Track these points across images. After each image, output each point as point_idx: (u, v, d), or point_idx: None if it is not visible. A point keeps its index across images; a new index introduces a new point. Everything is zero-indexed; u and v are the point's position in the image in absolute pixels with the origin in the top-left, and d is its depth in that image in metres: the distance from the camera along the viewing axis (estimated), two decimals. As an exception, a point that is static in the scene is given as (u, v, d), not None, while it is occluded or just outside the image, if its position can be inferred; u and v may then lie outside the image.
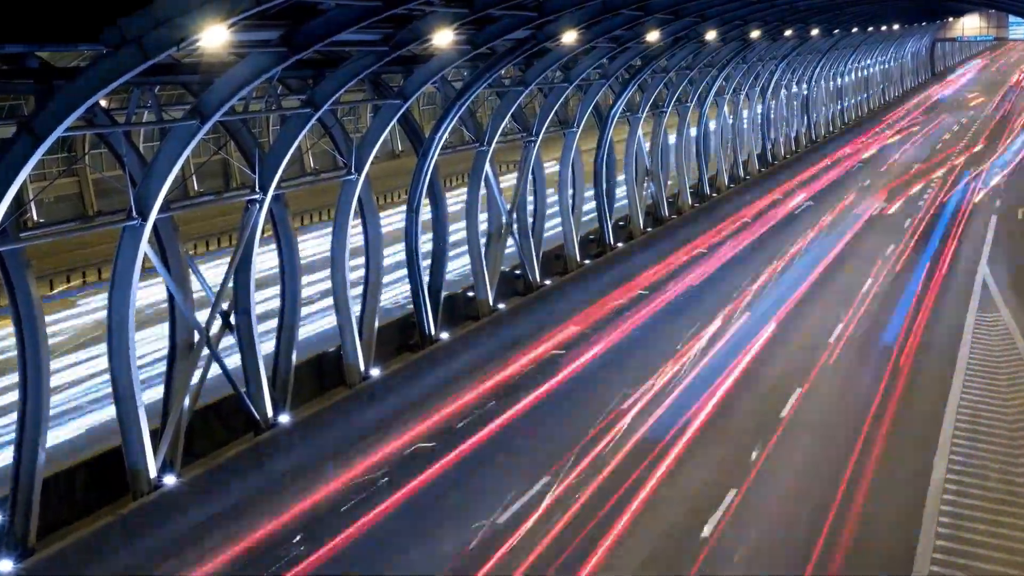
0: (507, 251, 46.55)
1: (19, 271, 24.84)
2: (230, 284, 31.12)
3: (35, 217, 58.87)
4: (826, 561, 25.23)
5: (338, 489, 30.23)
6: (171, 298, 29.47)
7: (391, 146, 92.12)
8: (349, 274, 35.75)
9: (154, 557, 26.35)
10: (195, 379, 29.87)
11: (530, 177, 48.58)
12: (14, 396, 26.68)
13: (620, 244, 57.87)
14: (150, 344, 39.66)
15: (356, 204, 35.99)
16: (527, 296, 47.30)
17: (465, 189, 45.53)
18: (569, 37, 39.28)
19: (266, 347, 32.91)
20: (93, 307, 49.38)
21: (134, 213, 26.84)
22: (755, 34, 62.95)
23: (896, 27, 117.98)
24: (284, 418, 32.29)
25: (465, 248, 44.01)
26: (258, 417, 31.53)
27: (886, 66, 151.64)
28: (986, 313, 45.31)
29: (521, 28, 36.43)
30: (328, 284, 37.35)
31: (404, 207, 40.48)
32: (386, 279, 39.62)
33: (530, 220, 48.63)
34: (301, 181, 39.87)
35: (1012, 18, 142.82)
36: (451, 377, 38.26)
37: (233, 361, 31.99)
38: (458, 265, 49.94)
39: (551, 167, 54.13)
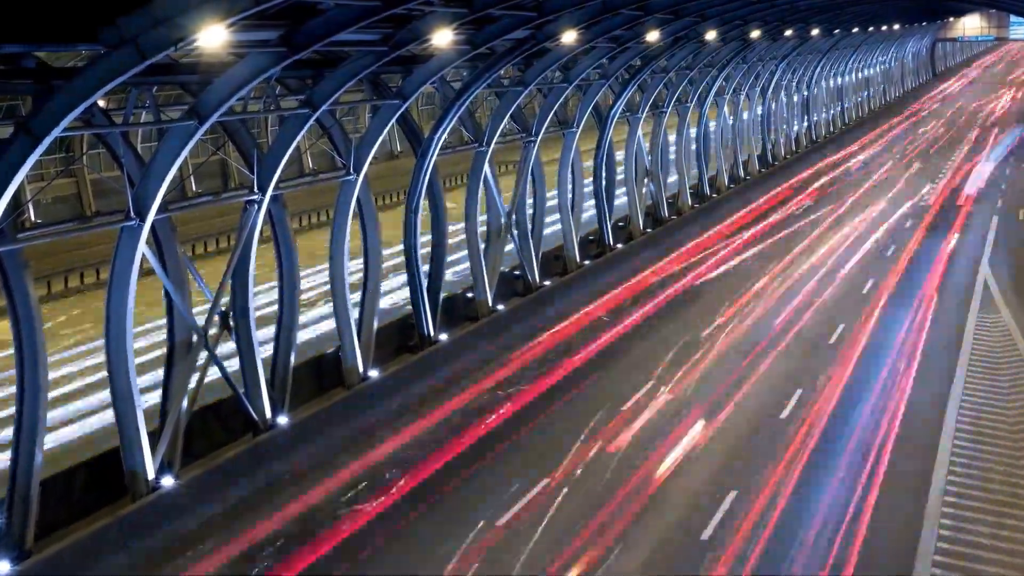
0: (506, 252, 46.48)
1: (17, 272, 24.79)
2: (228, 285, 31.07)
3: (33, 218, 58.74)
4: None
5: (337, 490, 30.12)
6: (169, 299, 29.39)
7: (390, 146, 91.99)
8: (348, 275, 35.67)
9: (152, 559, 26.28)
10: (193, 380, 29.77)
11: (529, 178, 48.52)
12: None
13: (620, 245, 57.77)
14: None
15: (355, 205, 35.88)
16: (526, 297, 47.19)
17: (464, 189, 45.46)
18: (569, 37, 39.22)
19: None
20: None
21: (132, 214, 26.78)
22: (755, 34, 62.90)
23: (896, 27, 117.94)
24: (283, 419, 32.23)
25: (464, 249, 43.95)
26: (256, 418, 31.47)
27: (887, 66, 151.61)
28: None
29: (520, 28, 36.37)
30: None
31: (403, 208, 40.38)
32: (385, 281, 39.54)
33: (529, 221, 48.51)
34: (300, 182, 39.86)
35: (1013, 18, 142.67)
36: (450, 378, 38.14)
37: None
38: (457, 265, 49.92)
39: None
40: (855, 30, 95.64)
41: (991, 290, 49.16)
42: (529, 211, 48.97)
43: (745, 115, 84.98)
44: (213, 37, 23.09)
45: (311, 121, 32.29)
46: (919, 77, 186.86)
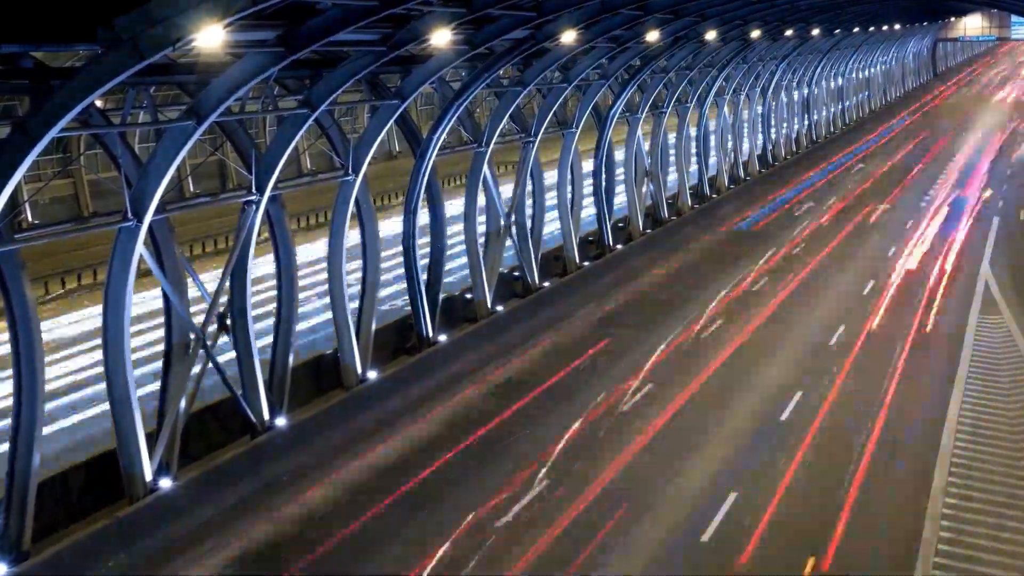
0: (505, 252, 46.40)
1: (14, 273, 24.70)
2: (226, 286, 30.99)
3: (30, 218, 58.65)
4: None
5: (336, 491, 30.04)
6: (167, 300, 29.30)
7: (388, 147, 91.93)
8: (346, 276, 35.60)
9: (150, 560, 26.20)
10: (191, 382, 29.69)
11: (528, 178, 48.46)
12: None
13: (619, 246, 57.68)
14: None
15: (353, 205, 35.79)
16: (526, 298, 47.10)
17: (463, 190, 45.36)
18: (568, 37, 39.14)
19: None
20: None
21: (130, 214, 26.70)
22: (755, 34, 62.81)
23: (897, 27, 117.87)
24: (281, 421, 32.13)
25: (464, 249, 43.87)
26: (255, 420, 31.37)
27: (887, 66, 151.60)
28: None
29: (520, 28, 36.29)
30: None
31: (402, 208, 40.30)
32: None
33: (528, 221, 48.41)
34: (298, 182, 39.75)
35: (1014, 18, 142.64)
36: (449, 380, 38.05)
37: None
38: (456, 266, 49.86)
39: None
40: (856, 30, 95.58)
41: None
42: (528, 211, 48.82)
43: (745, 115, 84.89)
44: (211, 37, 23.01)
45: (309, 121, 32.23)
46: (920, 77, 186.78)
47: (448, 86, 43.04)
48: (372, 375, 36.16)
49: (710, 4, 47.24)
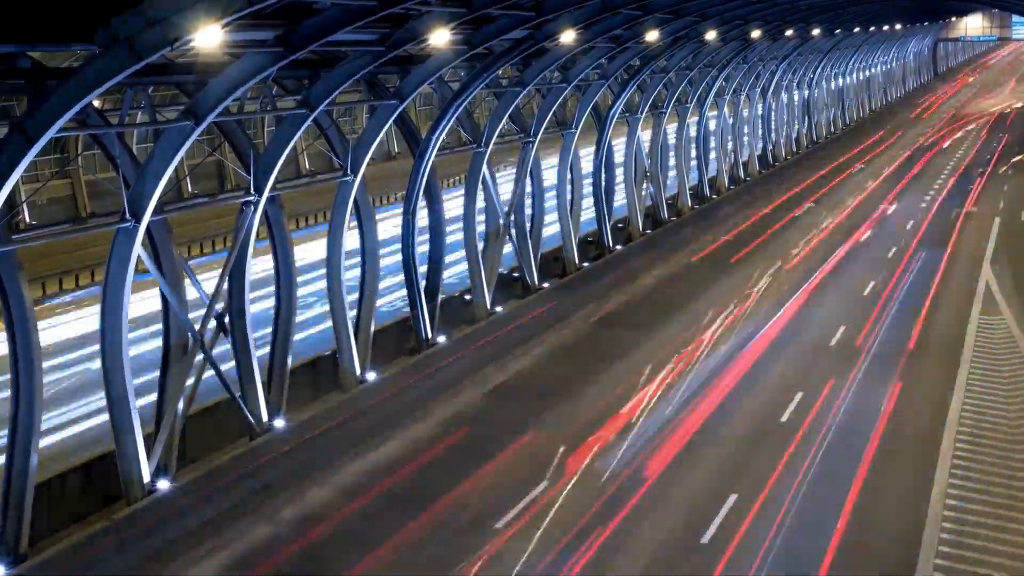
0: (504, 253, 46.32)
1: (11, 274, 24.59)
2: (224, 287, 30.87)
3: (27, 219, 58.54)
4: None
5: (334, 493, 29.94)
6: (165, 301, 29.20)
7: (387, 147, 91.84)
8: (345, 277, 35.51)
9: (148, 563, 26.11)
10: (189, 383, 29.59)
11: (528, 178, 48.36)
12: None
13: (619, 246, 57.57)
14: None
15: (352, 206, 35.69)
16: (525, 299, 46.98)
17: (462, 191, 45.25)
18: (567, 37, 39.04)
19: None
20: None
21: (127, 215, 26.61)
22: (756, 34, 62.69)
23: (898, 27, 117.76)
24: (279, 422, 32.02)
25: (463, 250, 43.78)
26: (253, 421, 31.25)
27: (888, 67, 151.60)
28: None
29: (519, 28, 36.20)
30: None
31: (401, 209, 40.19)
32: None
33: (528, 222, 48.29)
34: (296, 183, 39.65)
35: (1015, 18, 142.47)
36: (448, 381, 37.95)
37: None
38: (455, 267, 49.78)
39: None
40: (856, 30, 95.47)
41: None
42: (528, 212, 48.70)
43: (745, 114, 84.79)
44: (209, 37, 22.92)
45: (308, 122, 32.12)
46: (920, 77, 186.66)
47: (447, 86, 42.94)
48: (371, 376, 36.04)
49: (710, 4, 47.16)
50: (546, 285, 48.64)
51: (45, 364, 26.28)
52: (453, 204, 48.96)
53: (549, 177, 52.19)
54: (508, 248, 46.74)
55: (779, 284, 52.43)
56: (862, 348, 41.60)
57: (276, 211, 32.83)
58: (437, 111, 42.29)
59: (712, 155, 77.83)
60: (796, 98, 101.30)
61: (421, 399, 36.33)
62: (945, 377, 37.46)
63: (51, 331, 44.68)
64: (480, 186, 44.10)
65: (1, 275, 24.45)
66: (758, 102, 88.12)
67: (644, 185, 62.35)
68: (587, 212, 56.59)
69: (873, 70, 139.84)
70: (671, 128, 68.32)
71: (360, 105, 64.45)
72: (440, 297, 41.04)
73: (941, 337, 42.80)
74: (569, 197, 52.88)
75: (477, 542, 26.82)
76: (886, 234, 64.63)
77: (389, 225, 50.72)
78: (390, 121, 36.82)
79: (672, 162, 69.69)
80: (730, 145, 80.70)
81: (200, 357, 30.00)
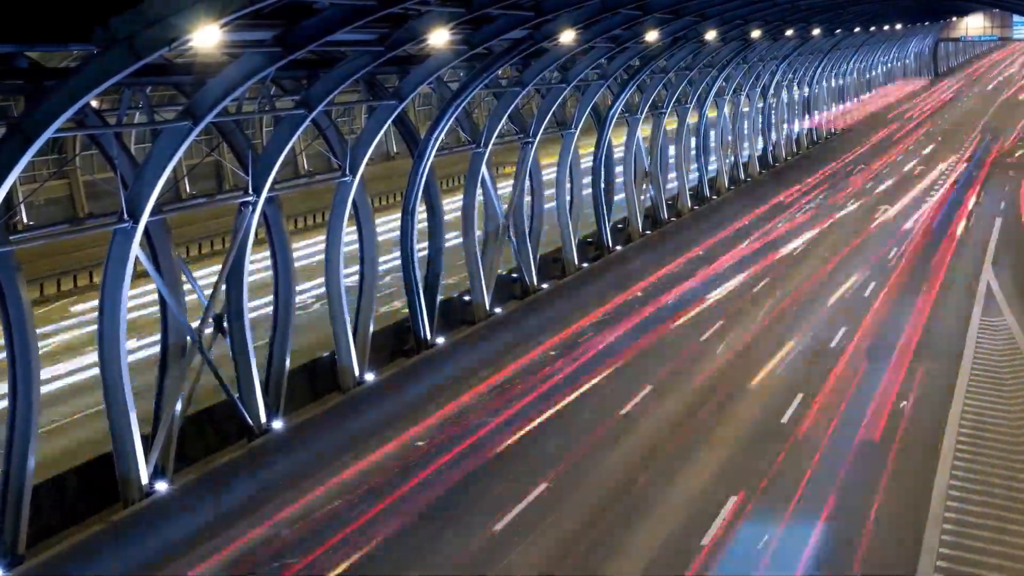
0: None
1: (8, 274, 24.47)
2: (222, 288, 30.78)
3: (25, 220, 58.39)
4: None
5: (332, 495, 29.84)
6: (163, 302, 29.10)
7: (386, 147, 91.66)
8: (343, 278, 35.40)
9: (145, 565, 25.98)
10: (187, 384, 29.49)
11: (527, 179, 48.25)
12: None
13: (618, 247, 57.44)
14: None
15: (351, 207, 35.59)
16: (524, 300, 46.86)
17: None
18: (567, 37, 38.94)
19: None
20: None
21: (125, 216, 26.51)
22: (756, 34, 62.55)
23: (899, 27, 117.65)
24: (277, 424, 31.91)
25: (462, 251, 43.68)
26: (251, 423, 31.14)
27: (888, 67, 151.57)
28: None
29: (518, 28, 36.11)
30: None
31: (399, 210, 40.07)
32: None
33: (527, 223, 48.16)
34: (295, 183, 39.52)
35: (1016, 18, 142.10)
36: (446, 382, 37.83)
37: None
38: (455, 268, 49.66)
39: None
40: (857, 30, 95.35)
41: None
42: (527, 212, 48.58)
43: (746, 114, 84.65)
44: (207, 37, 22.84)
45: (306, 122, 32.03)
46: (921, 77, 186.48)
47: (446, 86, 42.84)
48: (370, 377, 35.93)
49: (710, 4, 47.07)
50: (545, 286, 48.53)
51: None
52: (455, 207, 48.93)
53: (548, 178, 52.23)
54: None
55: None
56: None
57: (274, 212, 32.72)
58: (436, 111, 42.20)
59: (712, 155, 77.67)
60: (796, 98, 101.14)
61: (420, 400, 36.22)
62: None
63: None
64: (479, 186, 44.01)
65: (-1, 276, 24.37)
66: (758, 102, 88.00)
67: (644, 186, 62.23)
68: (586, 212, 56.51)
69: (874, 71, 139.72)
70: (671, 128, 68.19)
71: (359, 105, 64.23)
72: (439, 298, 40.94)
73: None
74: (568, 198, 52.76)
75: (478, 543, 26.74)
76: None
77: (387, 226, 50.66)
78: (389, 121, 36.73)
79: (672, 162, 69.62)
80: (730, 145, 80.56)
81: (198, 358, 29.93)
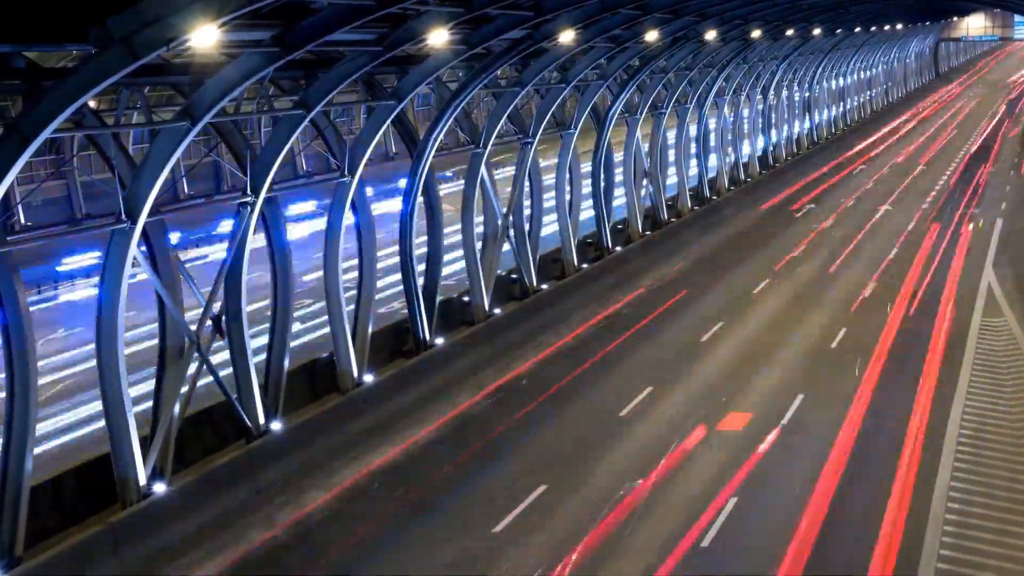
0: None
1: (5, 275, 24.40)
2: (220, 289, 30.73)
3: (22, 220, 58.28)
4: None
5: (332, 496, 29.75)
6: (161, 303, 29.03)
7: (385, 148, 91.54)
8: (342, 278, 35.34)
9: (144, 566, 25.94)
10: (185, 385, 29.41)
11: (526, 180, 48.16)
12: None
13: (618, 248, 57.36)
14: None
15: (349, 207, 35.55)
16: (524, 301, 46.79)
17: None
18: (566, 37, 38.87)
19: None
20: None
21: (123, 216, 26.42)
22: (756, 34, 62.46)
23: (899, 27, 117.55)
24: (276, 425, 31.85)
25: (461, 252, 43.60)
26: (249, 424, 31.08)
27: (889, 67, 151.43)
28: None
29: (517, 28, 36.03)
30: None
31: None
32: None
33: (526, 223, 48.08)
34: (294, 183, 39.42)
35: (1018, 18, 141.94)
36: (446, 383, 37.76)
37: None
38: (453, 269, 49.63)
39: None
40: (857, 30, 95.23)
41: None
42: (526, 212, 48.48)
43: (746, 115, 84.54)
44: (205, 37, 22.76)
45: (305, 122, 31.95)
46: (922, 77, 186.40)
47: (445, 87, 42.75)
48: (368, 378, 35.86)
49: (710, 3, 46.99)
50: (545, 287, 48.46)
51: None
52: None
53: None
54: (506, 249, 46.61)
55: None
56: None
57: (273, 212, 32.65)
58: (435, 112, 42.12)
59: (712, 156, 77.57)
60: (797, 98, 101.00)
61: (419, 401, 36.17)
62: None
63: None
64: (479, 187, 43.94)
65: (-4, 277, 24.30)
66: (758, 102, 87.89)
67: (644, 183, 62.10)
68: (586, 213, 56.39)
69: (874, 70, 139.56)
70: (670, 129, 68.10)
71: (358, 106, 64.13)
72: (438, 299, 40.87)
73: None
74: (568, 198, 52.67)
75: (478, 545, 26.74)
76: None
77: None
78: (388, 121, 36.63)
79: (672, 162, 69.52)
80: (730, 146, 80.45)
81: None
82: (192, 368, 29.78)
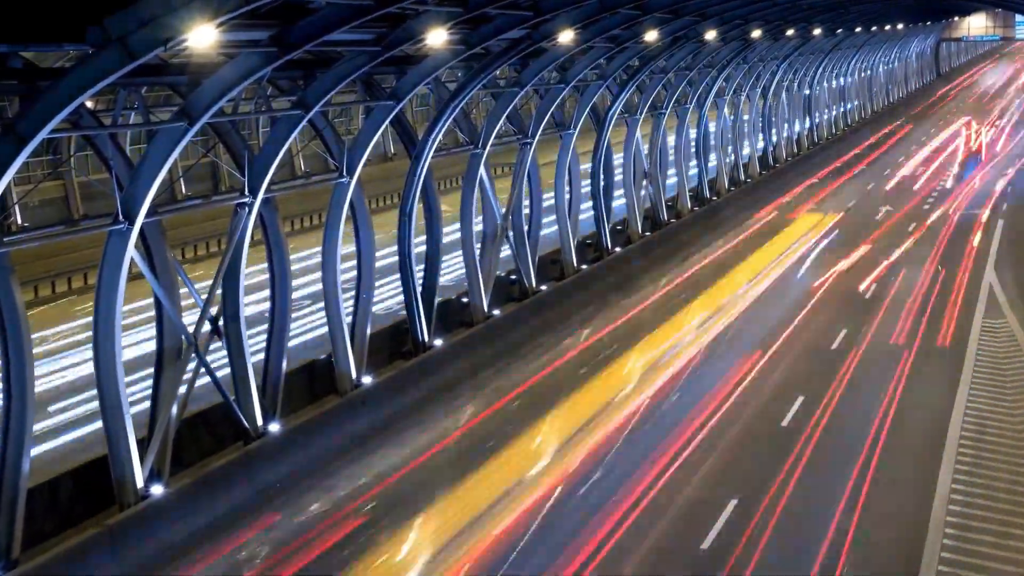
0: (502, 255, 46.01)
1: (3, 276, 24.31)
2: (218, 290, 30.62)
3: (19, 221, 58.25)
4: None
5: (330, 498, 29.63)
6: (158, 304, 28.93)
7: (384, 148, 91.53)
8: (340, 279, 35.23)
9: (141, 569, 25.86)
10: (183, 387, 29.31)
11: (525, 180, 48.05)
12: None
13: (618, 248, 57.24)
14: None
15: (348, 208, 35.40)
16: (523, 302, 46.68)
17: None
18: (566, 37, 38.77)
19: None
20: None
21: (120, 217, 26.34)
22: (756, 34, 62.31)
23: (900, 27, 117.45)
24: (274, 427, 31.75)
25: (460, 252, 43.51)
26: (247, 426, 30.97)
27: (890, 67, 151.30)
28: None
29: (516, 27, 35.94)
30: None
31: (397, 211, 39.89)
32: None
33: (525, 224, 47.96)
34: (292, 184, 39.36)
35: (1018, 17, 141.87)
36: (445, 384, 37.64)
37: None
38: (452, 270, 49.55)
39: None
40: (858, 30, 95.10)
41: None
42: (525, 213, 48.37)
43: (746, 116, 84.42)
44: (203, 37, 22.67)
45: (303, 123, 31.85)
46: (923, 78, 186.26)
47: (444, 87, 42.64)
48: (367, 380, 35.75)
49: (710, 3, 46.89)
50: (544, 288, 48.35)
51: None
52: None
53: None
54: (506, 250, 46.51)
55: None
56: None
57: (271, 213, 32.55)
58: (434, 112, 42.03)
59: (712, 156, 77.43)
60: (797, 98, 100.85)
61: (418, 403, 36.06)
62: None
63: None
64: (477, 188, 43.84)
65: (-6, 278, 24.19)
66: (758, 103, 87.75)
67: (644, 183, 61.99)
68: (585, 214, 56.30)
69: (875, 71, 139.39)
70: (670, 129, 68.00)
71: (356, 106, 64.12)
72: (437, 300, 40.76)
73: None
74: (567, 199, 52.55)
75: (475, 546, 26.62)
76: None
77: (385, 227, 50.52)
78: (386, 122, 36.54)
79: (672, 163, 69.39)
80: (730, 146, 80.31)
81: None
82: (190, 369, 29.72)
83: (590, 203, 55.92)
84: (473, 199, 43.57)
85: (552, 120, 49.86)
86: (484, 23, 34.90)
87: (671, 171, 68.97)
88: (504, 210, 45.69)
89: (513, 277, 48.08)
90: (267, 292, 32.91)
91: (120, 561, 25.86)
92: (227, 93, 27.38)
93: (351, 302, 36.65)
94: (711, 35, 54.22)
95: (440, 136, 39.51)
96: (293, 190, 39.29)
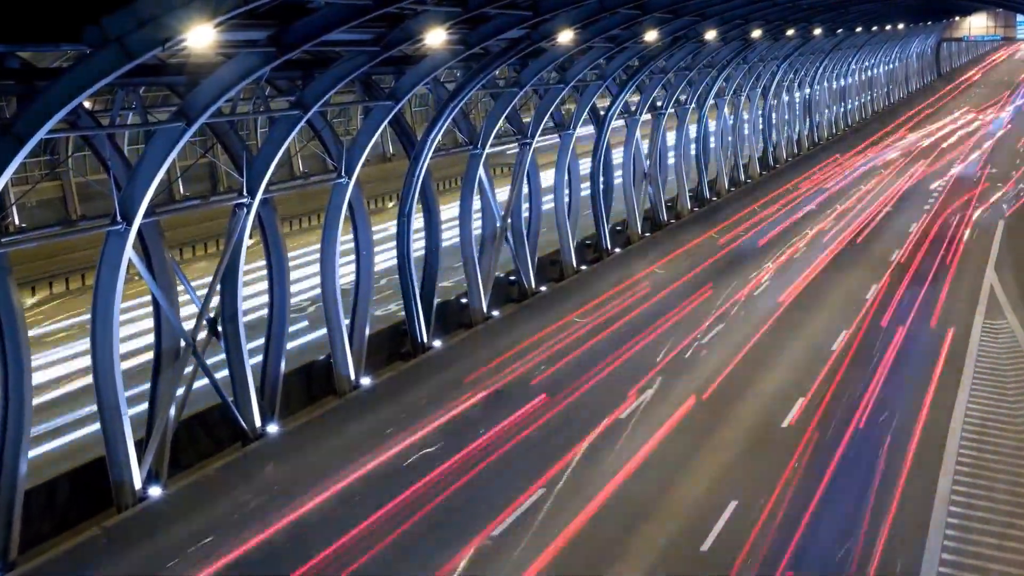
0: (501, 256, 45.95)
1: (0, 277, 24.23)
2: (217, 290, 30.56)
3: (17, 222, 58.14)
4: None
5: (329, 500, 29.58)
6: (156, 305, 28.86)
7: (382, 149, 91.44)
8: (339, 280, 35.16)
9: (139, 570, 25.75)
10: (181, 388, 29.24)
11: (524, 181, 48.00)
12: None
13: (617, 249, 57.16)
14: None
15: (346, 208, 35.35)
16: (522, 303, 46.60)
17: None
18: (565, 37, 38.72)
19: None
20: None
21: (118, 217, 26.32)
22: (756, 34, 62.27)
23: (901, 27, 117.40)
24: (272, 428, 31.71)
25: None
26: (246, 427, 30.94)
27: (891, 67, 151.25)
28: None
29: (515, 27, 35.90)
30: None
31: (396, 212, 39.83)
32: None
33: (525, 225, 47.90)
34: (290, 185, 39.29)
35: (1020, 17, 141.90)
36: (444, 386, 37.57)
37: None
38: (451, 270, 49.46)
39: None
40: (858, 30, 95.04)
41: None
42: (524, 215, 48.31)
43: (745, 116, 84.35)
44: (201, 37, 22.66)
45: (302, 123, 31.81)
46: (924, 78, 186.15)
47: (443, 87, 42.58)
48: (366, 381, 35.69)
49: (710, 3, 46.84)
50: (543, 288, 48.27)
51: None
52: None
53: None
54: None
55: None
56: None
57: (269, 213, 32.49)
58: (433, 112, 41.97)
59: (712, 156, 77.37)
60: (797, 98, 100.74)
61: (417, 404, 35.97)
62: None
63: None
64: (476, 188, 43.79)
65: (-9, 278, 24.13)
66: (759, 103, 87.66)
67: (644, 184, 61.94)
68: (585, 214, 56.27)
69: (875, 71, 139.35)
70: (670, 129, 67.94)
71: (355, 106, 64.00)
72: (436, 301, 40.69)
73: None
74: (567, 199, 52.49)
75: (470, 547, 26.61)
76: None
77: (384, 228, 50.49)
78: (385, 122, 36.51)
79: (671, 163, 69.33)
80: (730, 147, 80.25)
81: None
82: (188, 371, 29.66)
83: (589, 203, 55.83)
84: (472, 200, 43.50)
85: (552, 120, 49.79)
86: (483, 23, 34.87)
87: (671, 171, 68.92)
88: (503, 211, 45.64)
89: (512, 278, 48.00)
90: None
91: (118, 563, 25.77)
92: (225, 93, 27.35)
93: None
94: (711, 35, 54.19)
95: (439, 136, 39.47)
96: (292, 191, 39.17)
